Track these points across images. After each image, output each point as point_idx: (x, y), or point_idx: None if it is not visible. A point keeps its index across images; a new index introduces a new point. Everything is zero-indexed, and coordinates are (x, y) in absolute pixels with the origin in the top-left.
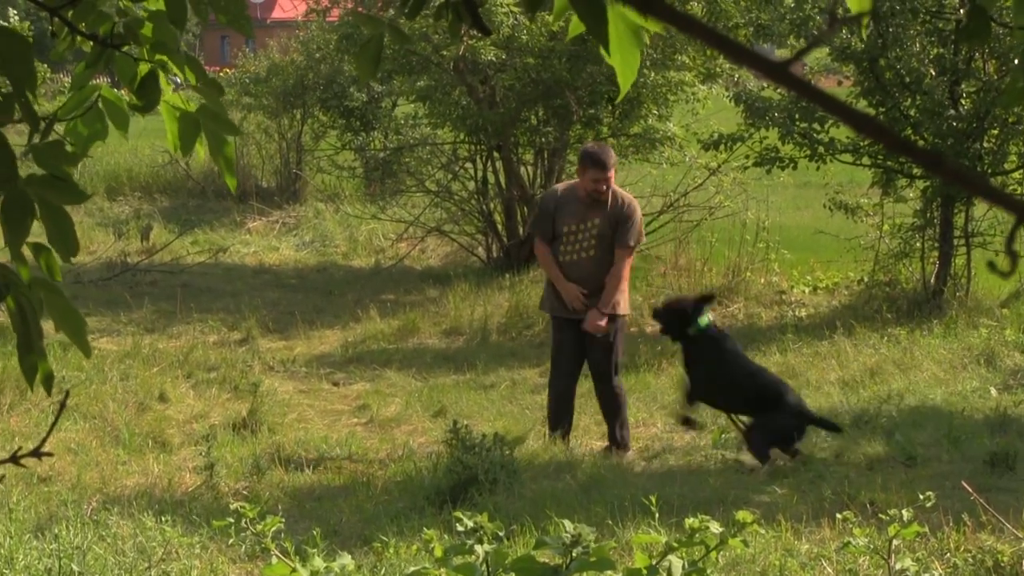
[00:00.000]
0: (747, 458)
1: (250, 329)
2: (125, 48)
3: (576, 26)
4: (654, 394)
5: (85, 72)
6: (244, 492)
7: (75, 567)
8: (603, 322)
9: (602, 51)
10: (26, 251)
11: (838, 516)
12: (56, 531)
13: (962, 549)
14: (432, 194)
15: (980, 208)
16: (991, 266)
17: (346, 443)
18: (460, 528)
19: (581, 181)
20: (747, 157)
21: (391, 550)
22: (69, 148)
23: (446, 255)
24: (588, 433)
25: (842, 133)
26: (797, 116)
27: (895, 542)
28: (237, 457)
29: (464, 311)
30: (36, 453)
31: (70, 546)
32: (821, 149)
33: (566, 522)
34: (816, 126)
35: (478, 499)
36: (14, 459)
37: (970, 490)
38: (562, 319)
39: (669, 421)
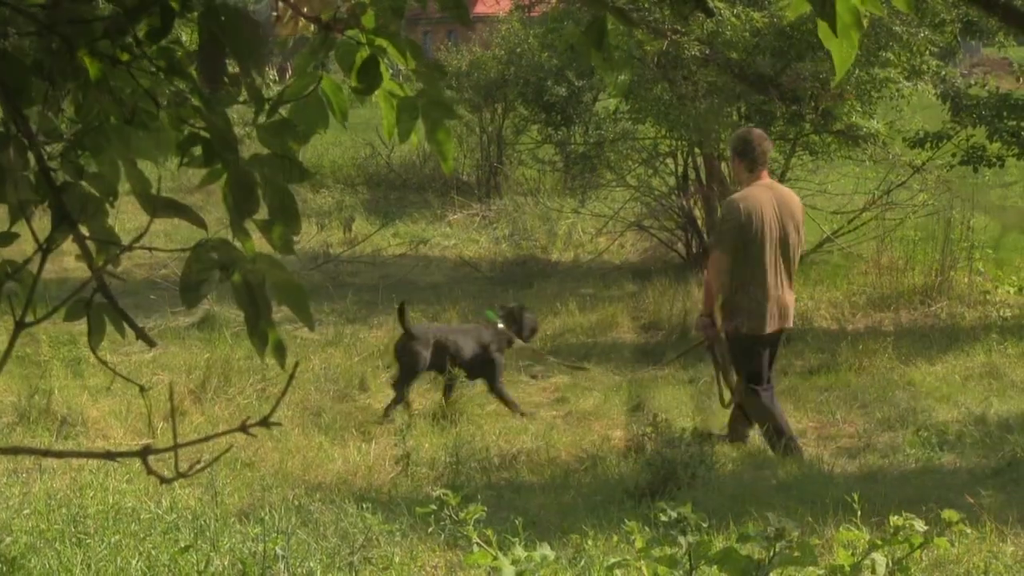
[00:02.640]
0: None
1: (450, 321)
2: (348, 33)
3: (797, 5)
4: (854, 392)
5: (308, 57)
6: (443, 482)
7: (279, 551)
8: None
9: (820, 34)
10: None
11: None
12: (261, 515)
13: None
14: (632, 189)
15: None
16: None
17: (545, 435)
18: (663, 519)
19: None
20: (953, 155)
21: (590, 542)
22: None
23: (645, 250)
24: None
25: None
26: (1005, 114)
27: None
28: (436, 447)
29: (663, 306)
30: (264, 422)
31: (274, 530)
32: None
33: (770, 515)
34: None
35: (677, 494)
36: (243, 428)
37: None
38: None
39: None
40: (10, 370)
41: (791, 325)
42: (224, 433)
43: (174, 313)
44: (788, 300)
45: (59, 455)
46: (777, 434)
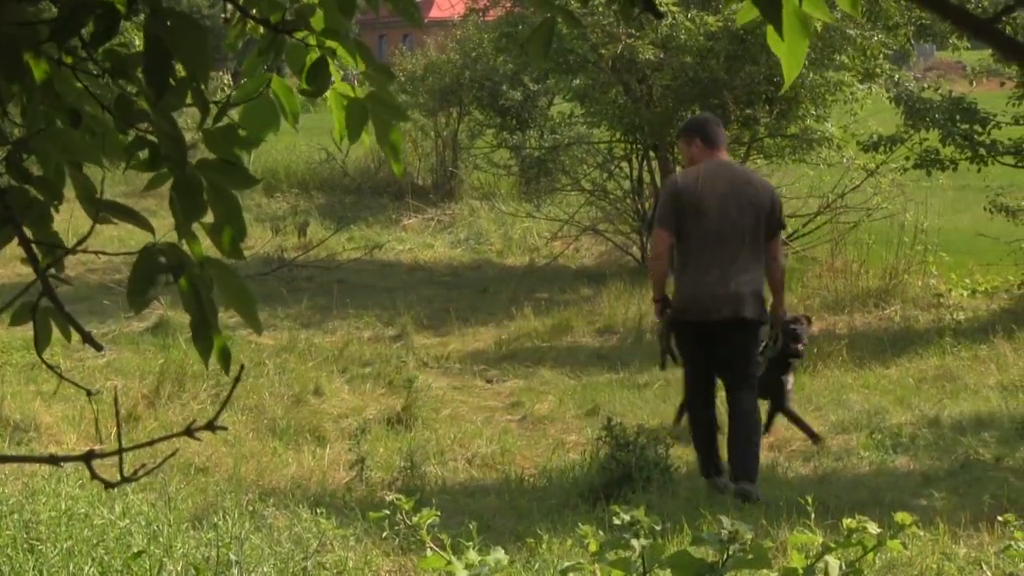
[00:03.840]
0: None
1: (405, 325)
2: (297, 35)
3: (747, 12)
4: (808, 395)
5: (257, 60)
6: (397, 486)
7: (233, 556)
8: None
9: (769, 40)
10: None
11: (999, 519)
12: (214, 521)
13: None
14: (587, 193)
15: None
16: None
17: (499, 439)
18: (617, 522)
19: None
20: (907, 159)
21: (544, 546)
22: (242, 133)
23: (601, 254)
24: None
25: (1004, 135)
26: (958, 117)
27: None
28: (391, 451)
29: (618, 310)
30: (211, 426)
31: (228, 536)
32: (983, 151)
33: (723, 518)
34: (978, 127)
35: (631, 497)
36: (188, 432)
37: None
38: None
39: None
40: None
41: (749, 315)
42: (170, 437)
43: (127, 318)
44: (740, 287)
45: (2, 460)
46: (701, 461)
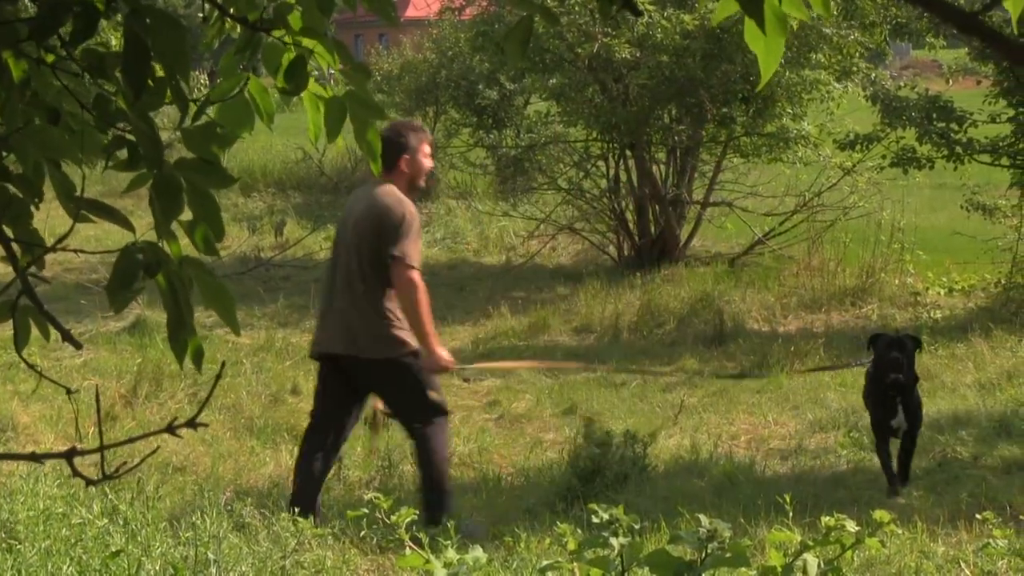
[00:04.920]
0: None
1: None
2: (275, 34)
3: (723, 8)
4: (786, 394)
5: (234, 59)
6: (375, 486)
7: (211, 555)
8: None
9: (747, 37)
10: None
11: (977, 517)
12: (192, 520)
13: None
14: (564, 192)
15: None
16: None
17: (477, 438)
18: (595, 520)
19: (415, 168)
20: (883, 157)
21: (523, 544)
22: (219, 132)
23: (577, 253)
24: (723, 435)
25: (981, 133)
26: (935, 116)
27: None
28: (368, 450)
29: (595, 309)
30: (192, 424)
31: (206, 535)
32: (959, 149)
33: (702, 516)
34: (954, 126)
35: (609, 496)
36: (170, 429)
37: None
38: None
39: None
40: None
41: (365, 355)
42: (150, 434)
43: (105, 318)
44: (353, 320)
45: None
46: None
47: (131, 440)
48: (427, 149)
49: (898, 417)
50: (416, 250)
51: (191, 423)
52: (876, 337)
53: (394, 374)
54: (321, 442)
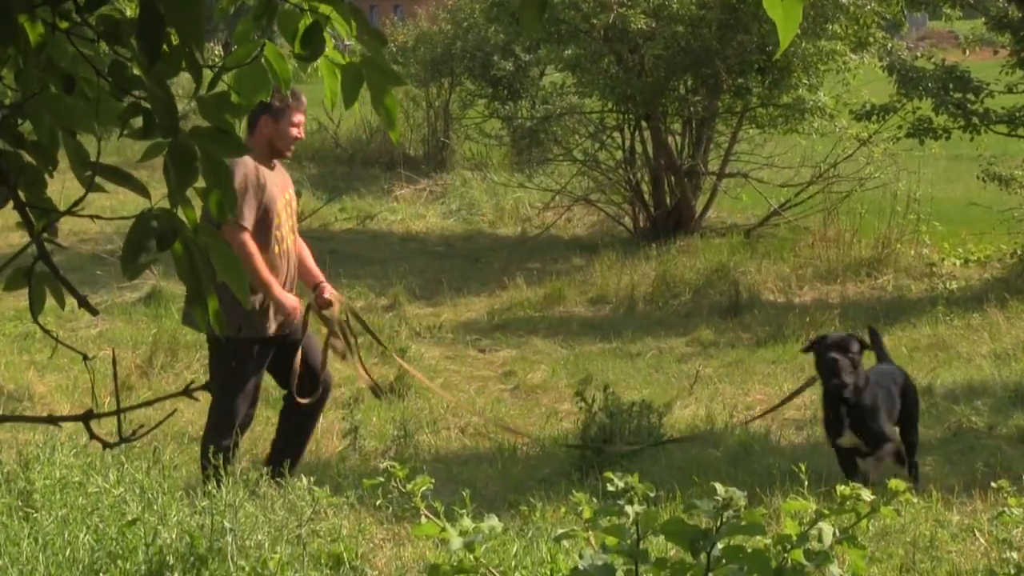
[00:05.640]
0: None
1: (397, 295)
2: (291, 1)
3: None
4: (801, 365)
5: (250, 25)
6: (391, 455)
7: (227, 524)
8: None
9: (765, 4)
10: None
11: (992, 486)
12: (208, 488)
13: None
14: (579, 163)
15: None
16: None
17: (492, 408)
18: (610, 489)
19: (275, 131)
20: (899, 128)
21: (538, 513)
22: (235, 99)
23: (592, 224)
24: (738, 405)
25: (997, 104)
26: (951, 86)
27: None
28: (384, 421)
29: (611, 280)
30: (207, 387)
31: (222, 504)
32: (975, 120)
33: (717, 485)
34: (971, 96)
35: (623, 465)
36: (186, 392)
37: None
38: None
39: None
40: None
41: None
42: (168, 397)
43: (121, 288)
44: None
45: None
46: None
47: (148, 403)
48: (296, 118)
49: (845, 435)
50: (249, 208)
51: (207, 386)
52: (817, 340)
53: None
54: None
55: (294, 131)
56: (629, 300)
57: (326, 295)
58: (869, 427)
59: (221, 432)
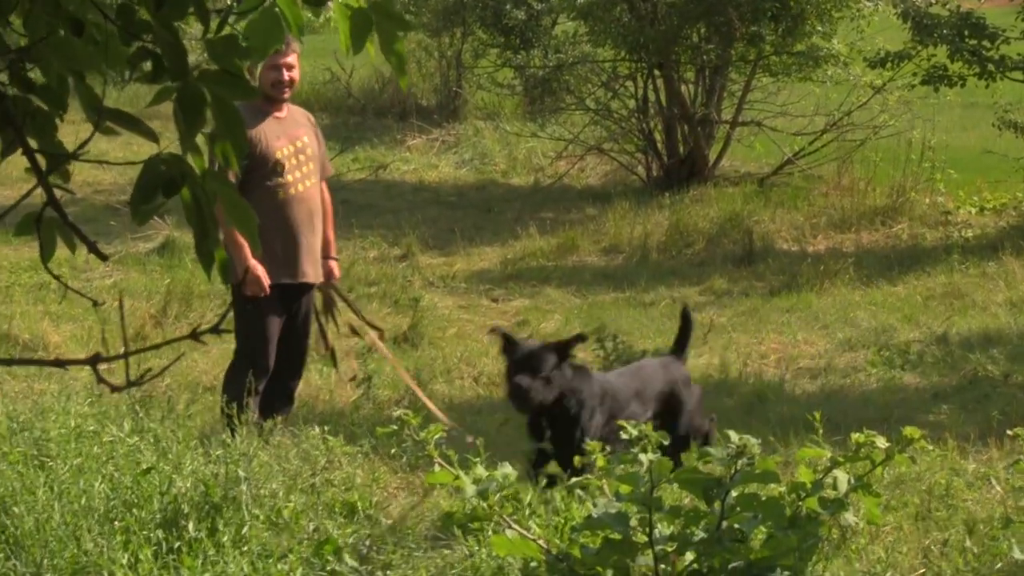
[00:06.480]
0: None
1: (410, 245)
2: None
3: None
4: (815, 313)
5: None
6: (404, 405)
7: (241, 473)
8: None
9: None
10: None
11: (1008, 434)
12: (223, 438)
13: None
14: (592, 112)
15: None
16: None
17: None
18: (624, 436)
19: (261, 78)
20: (914, 75)
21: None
22: (244, 44)
23: (605, 174)
24: (752, 354)
25: (1013, 50)
26: (967, 33)
27: None
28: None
29: (624, 229)
30: (216, 329)
31: (236, 453)
32: (991, 67)
33: (731, 433)
34: (986, 43)
35: None
36: (194, 335)
37: None
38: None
39: None
40: None
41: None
42: (175, 340)
43: (134, 239)
44: None
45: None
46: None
47: (155, 347)
48: (271, 60)
49: (544, 441)
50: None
51: (215, 329)
52: (507, 345)
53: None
54: None
55: (273, 73)
56: (642, 249)
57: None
58: (566, 443)
59: (239, 376)
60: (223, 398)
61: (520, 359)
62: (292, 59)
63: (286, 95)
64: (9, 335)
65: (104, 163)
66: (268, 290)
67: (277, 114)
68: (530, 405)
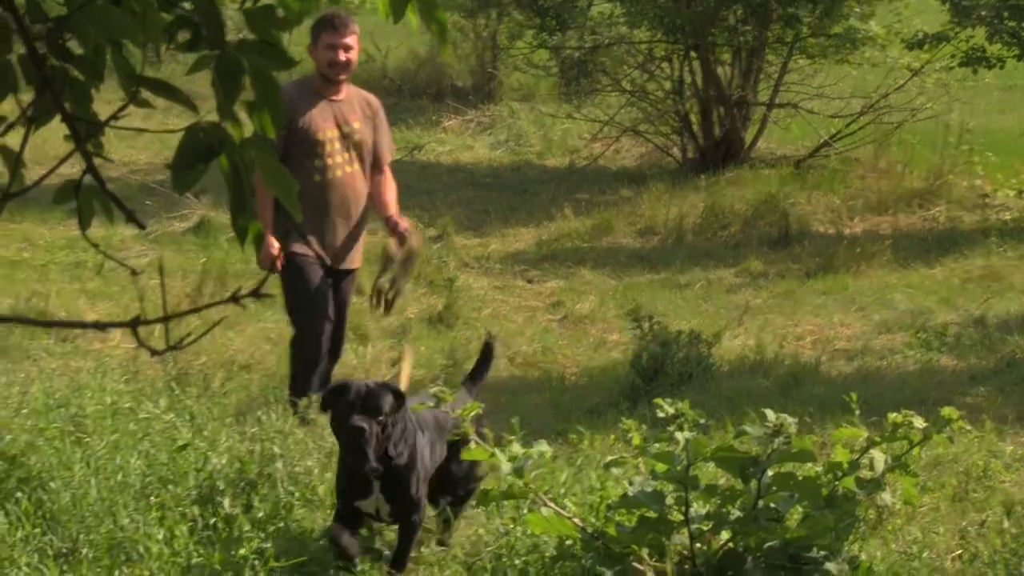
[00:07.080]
0: None
1: (445, 226)
2: None
3: None
4: (852, 296)
5: None
6: (439, 384)
7: (276, 450)
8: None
9: None
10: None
11: None
12: (258, 415)
13: None
14: (627, 94)
15: None
16: None
17: (541, 338)
18: (660, 415)
19: (312, 54)
20: (952, 57)
21: (586, 442)
22: (281, 14)
23: (641, 155)
24: (788, 335)
25: None
26: (1006, 14)
27: None
28: (432, 350)
29: (659, 211)
30: (255, 293)
31: (272, 430)
32: None
33: (768, 412)
34: None
35: (673, 394)
36: (234, 299)
37: None
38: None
39: None
40: (8, 274)
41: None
42: (216, 304)
43: (170, 218)
44: None
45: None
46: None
47: (196, 310)
48: (328, 39)
49: (373, 497)
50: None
51: (255, 292)
52: (334, 390)
53: None
54: None
55: (328, 54)
56: (677, 231)
57: (401, 228)
58: (403, 495)
59: (302, 350)
60: (294, 373)
61: (356, 398)
62: (351, 40)
63: (342, 77)
64: (46, 313)
65: (143, 130)
66: (279, 266)
67: (333, 96)
68: (366, 457)
